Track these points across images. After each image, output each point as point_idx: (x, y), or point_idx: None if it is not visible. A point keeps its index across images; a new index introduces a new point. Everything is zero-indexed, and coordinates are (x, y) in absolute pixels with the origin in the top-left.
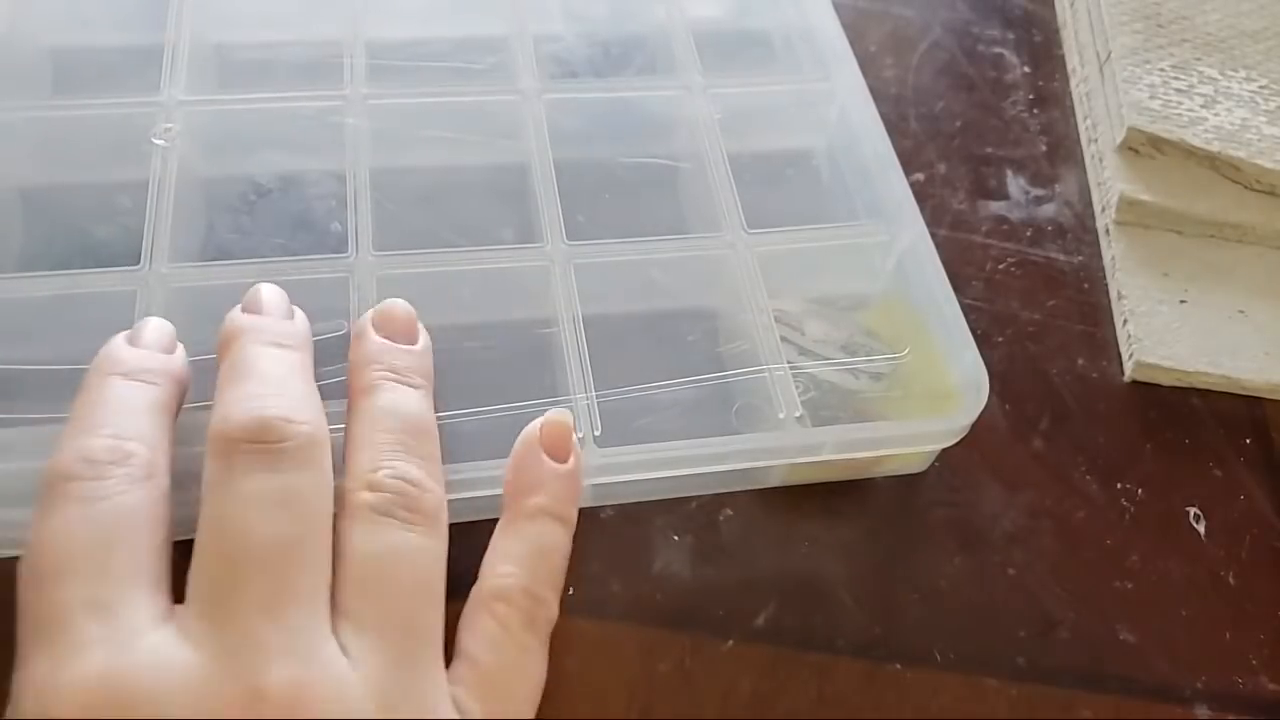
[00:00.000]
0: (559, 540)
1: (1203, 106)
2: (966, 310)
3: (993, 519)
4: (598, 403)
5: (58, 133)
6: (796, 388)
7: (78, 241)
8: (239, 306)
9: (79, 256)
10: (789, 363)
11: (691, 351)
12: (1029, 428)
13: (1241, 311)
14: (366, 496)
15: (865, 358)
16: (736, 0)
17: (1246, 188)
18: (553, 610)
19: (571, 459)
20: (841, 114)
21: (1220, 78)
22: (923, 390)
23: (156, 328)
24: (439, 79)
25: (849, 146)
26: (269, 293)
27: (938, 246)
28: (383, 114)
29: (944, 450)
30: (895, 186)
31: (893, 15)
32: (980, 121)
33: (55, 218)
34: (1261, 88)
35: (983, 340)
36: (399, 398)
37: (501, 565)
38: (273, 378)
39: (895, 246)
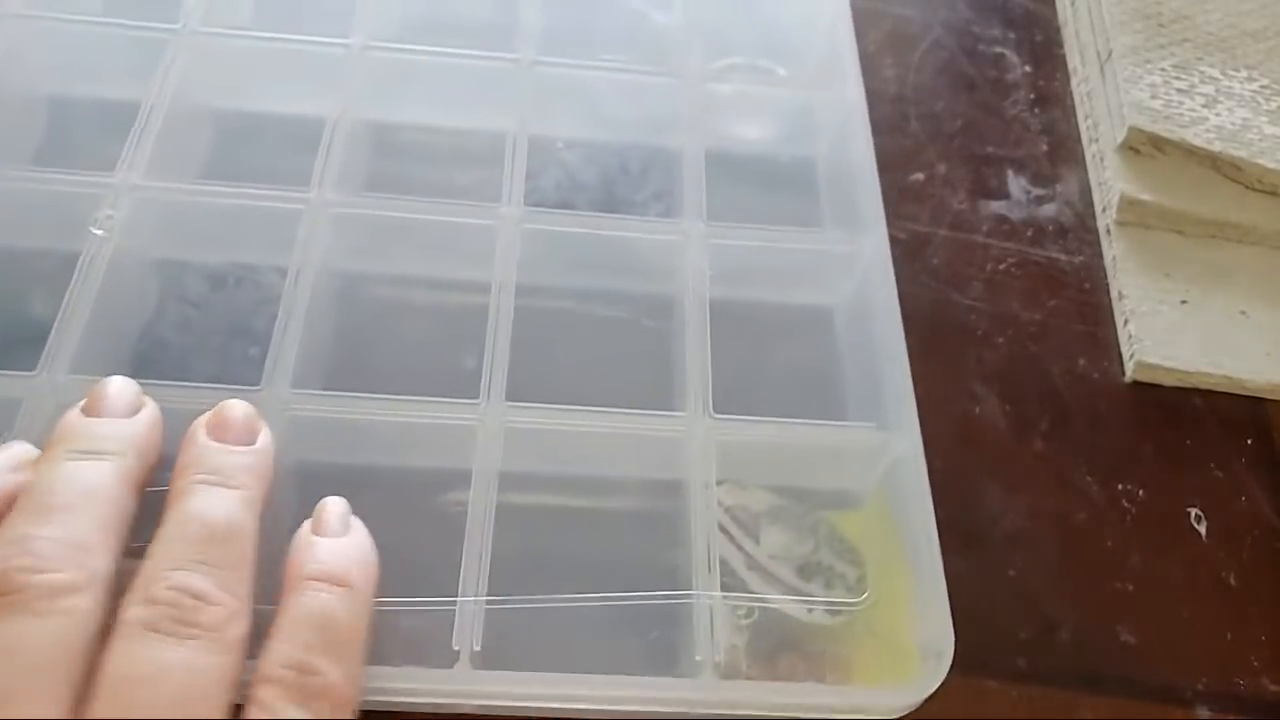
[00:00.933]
0: (333, 605)
1: (1204, 106)
2: (967, 311)
3: (992, 520)
4: (485, 610)
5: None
6: (736, 609)
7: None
8: (78, 405)
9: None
10: (730, 586)
11: (618, 552)
12: (1029, 428)
13: (1243, 312)
14: (137, 611)
15: (822, 593)
16: (782, 124)
17: (1248, 188)
18: (332, 677)
19: (328, 519)
20: (860, 283)
21: (1221, 77)
22: (884, 631)
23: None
24: (423, 180)
25: (859, 319)
26: (114, 387)
27: (938, 246)
28: (350, 224)
29: (943, 450)
30: (899, 380)
31: (893, 15)
32: (981, 121)
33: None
34: (1263, 87)
35: (983, 341)
36: (209, 501)
37: (269, 644)
38: (58, 508)
39: (888, 449)
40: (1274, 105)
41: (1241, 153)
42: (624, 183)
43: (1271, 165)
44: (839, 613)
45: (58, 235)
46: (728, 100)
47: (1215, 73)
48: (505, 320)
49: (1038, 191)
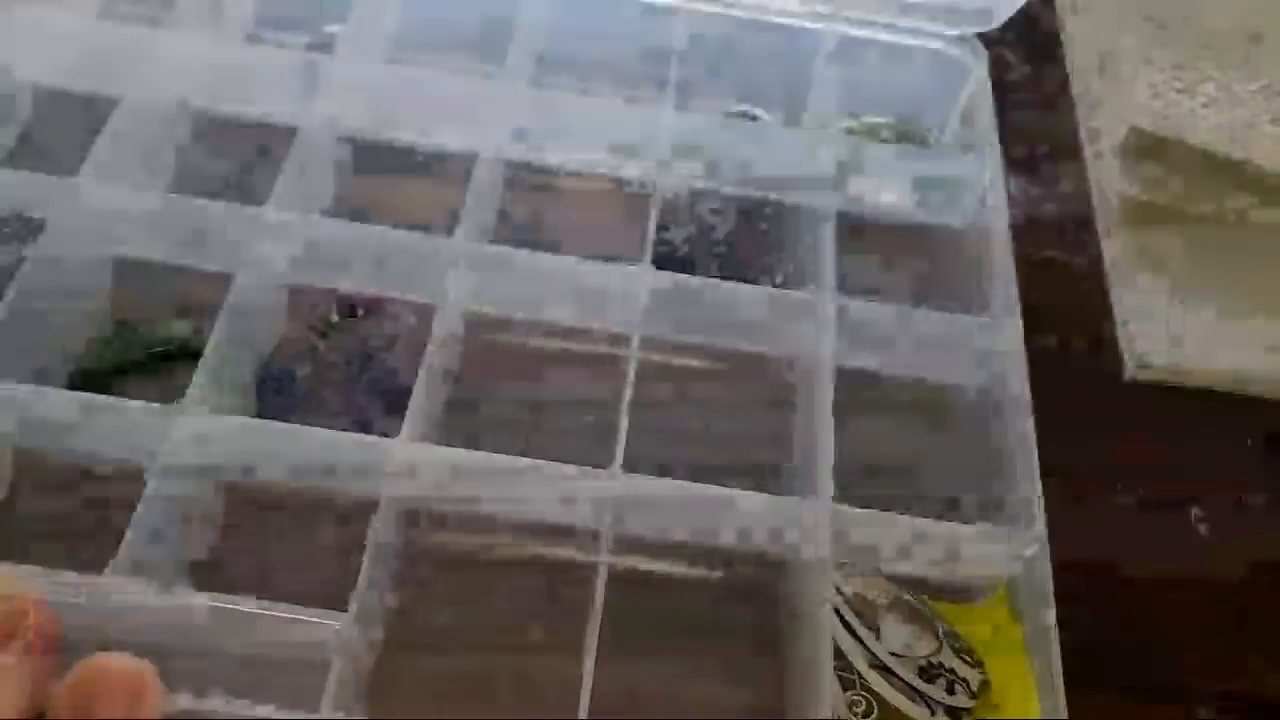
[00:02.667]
0: None
1: (1204, 106)
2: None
3: None
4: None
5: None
6: (856, 704)
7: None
8: None
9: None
10: (849, 682)
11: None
12: None
13: (1243, 312)
14: None
15: (944, 697)
16: (916, 189)
17: (1248, 188)
18: None
19: None
20: (992, 369)
21: (1222, 77)
22: None
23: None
24: (555, 222)
25: (988, 406)
26: None
27: None
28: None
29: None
30: (1029, 478)
31: None
32: None
33: None
34: (1263, 87)
35: None
36: None
37: None
38: None
39: (1016, 549)
40: (1274, 105)
41: (1241, 153)
42: (753, 239)
43: (1271, 165)
44: (958, 715)
45: (200, 255)
46: (864, 159)
47: (1215, 73)
48: (628, 377)
49: (1037, 191)
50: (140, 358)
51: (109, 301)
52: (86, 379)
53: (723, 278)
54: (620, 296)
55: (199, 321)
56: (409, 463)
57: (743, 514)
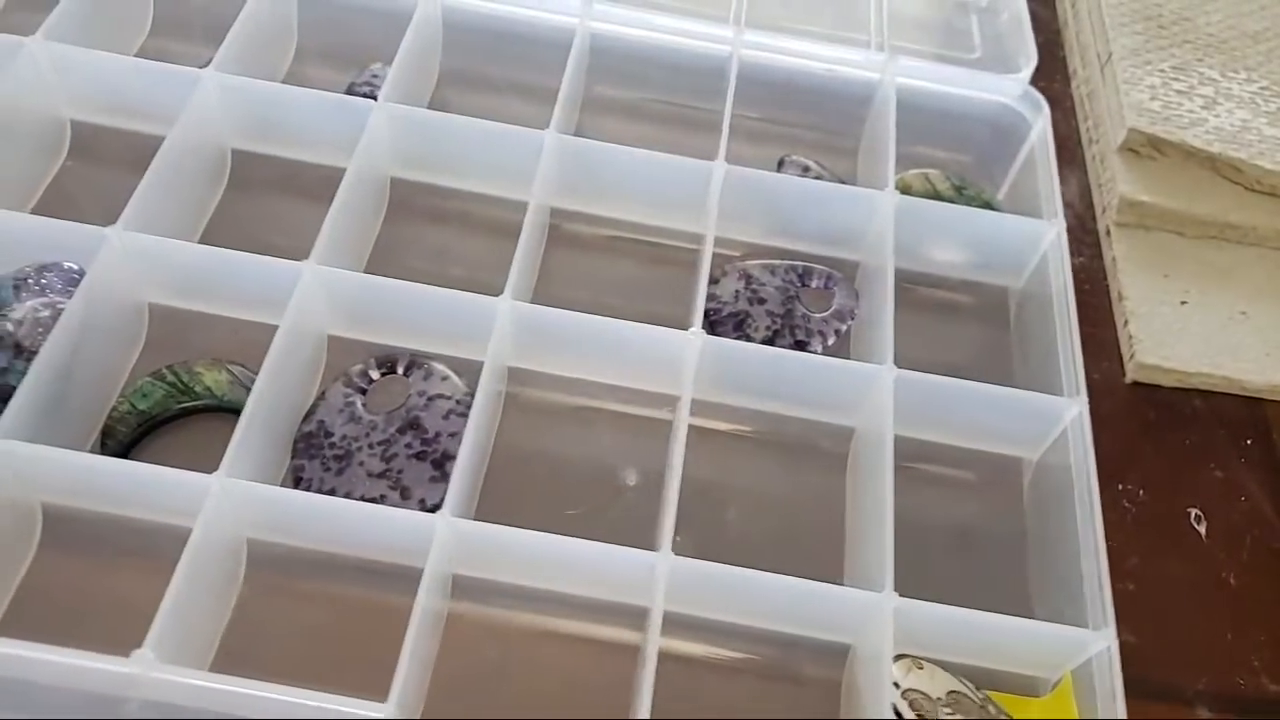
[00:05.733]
0: None
1: (1203, 108)
2: None
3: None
4: None
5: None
6: None
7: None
8: None
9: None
10: None
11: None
12: None
13: (1243, 313)
14: None
15: None
16: (975, 248)
17: (1247, 189)
18: None
19: None
20: (1055, 450)
21: (1221, 79)
22: None
23: None
24: (596, 274)
25: (1054, 490)
26: None
27: None
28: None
29: None
30: (1097, 574)
31: None
32: None
33: None
34: (1262, 89)
35: None
36: None
37: None
38: None
39: (1084, 649)
40: (1273, 107)
41: (1241, 154)
42: (805, 298)
43: (1271, 166)
44: None
45: (239, 305)
46: (923, 218)
47: (1215, 74)
48: (677, 445)
49: None
50: (176, 411)
51: (142, 351)
52: (120, 432)
53: (774, 335)
54: (670, 359)
55: (234, 373)
56: (452, 540)
57: (800, 601)
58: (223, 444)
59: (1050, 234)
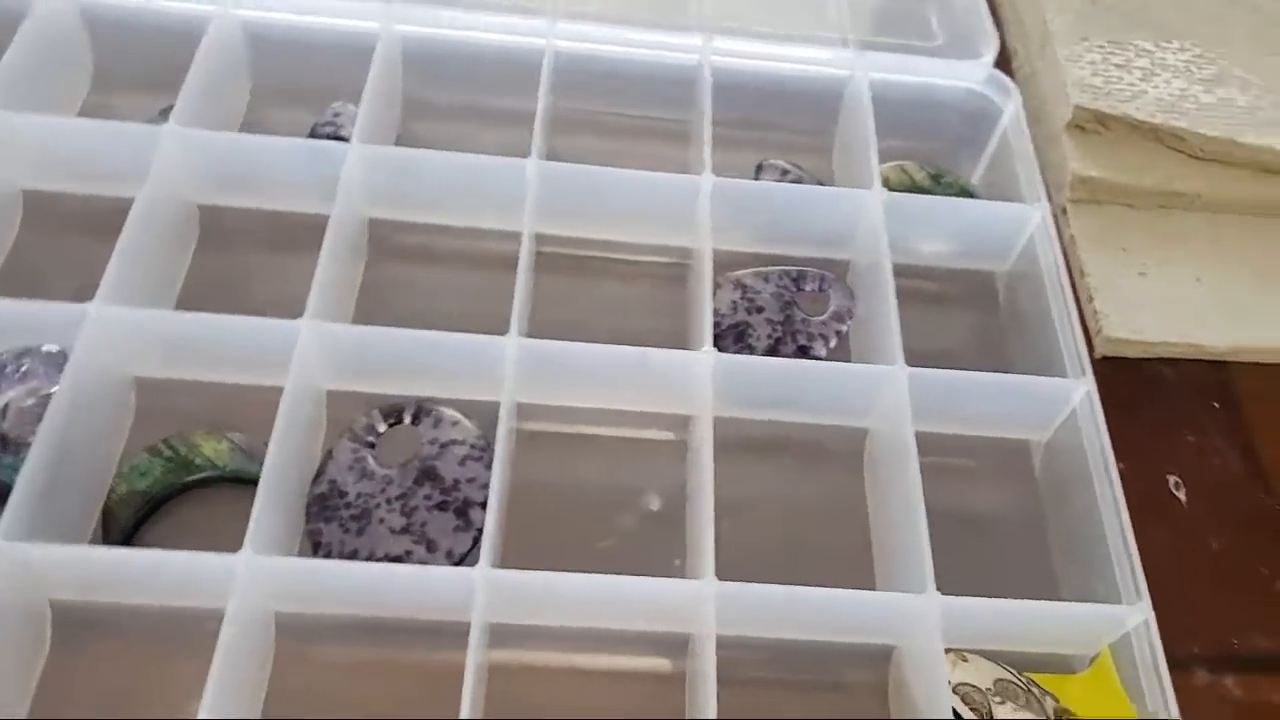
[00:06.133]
0: None
1: (1141, 79)
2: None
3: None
4: None
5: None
6: None
7: None
8: None
9: None
10: None
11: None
12: None
13: (1198, 279)
14: None
15: None
16: (962, 237)
17: (1191, 156)
18: None
19: None
20: (1066, 428)
21: (1155, 49)
22: None
23: None
24: (590, 295)
25: (1067, 471)
26: None
27: None
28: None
29: None
30: (1125, 549)
31: None
32: None
33: None
34: (1195, 56)
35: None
36: None
37: None
38: None
39: (1120, 623)
40: (1207, 73)
41: (1182, 123)
42: (801, 302)
43: (1211, 132)
44: None
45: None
46: (909, 213)
47: (1148, 45)
48: (704, 464)
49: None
50: (177, 487)
51: (133, 425)
52: (122, 516)
53: (776, 343)
54: (683, 381)
55: (233, 440)
56: (492, 592)
57: (844, 610)
58: (230, 516)
59: (1035, 217)
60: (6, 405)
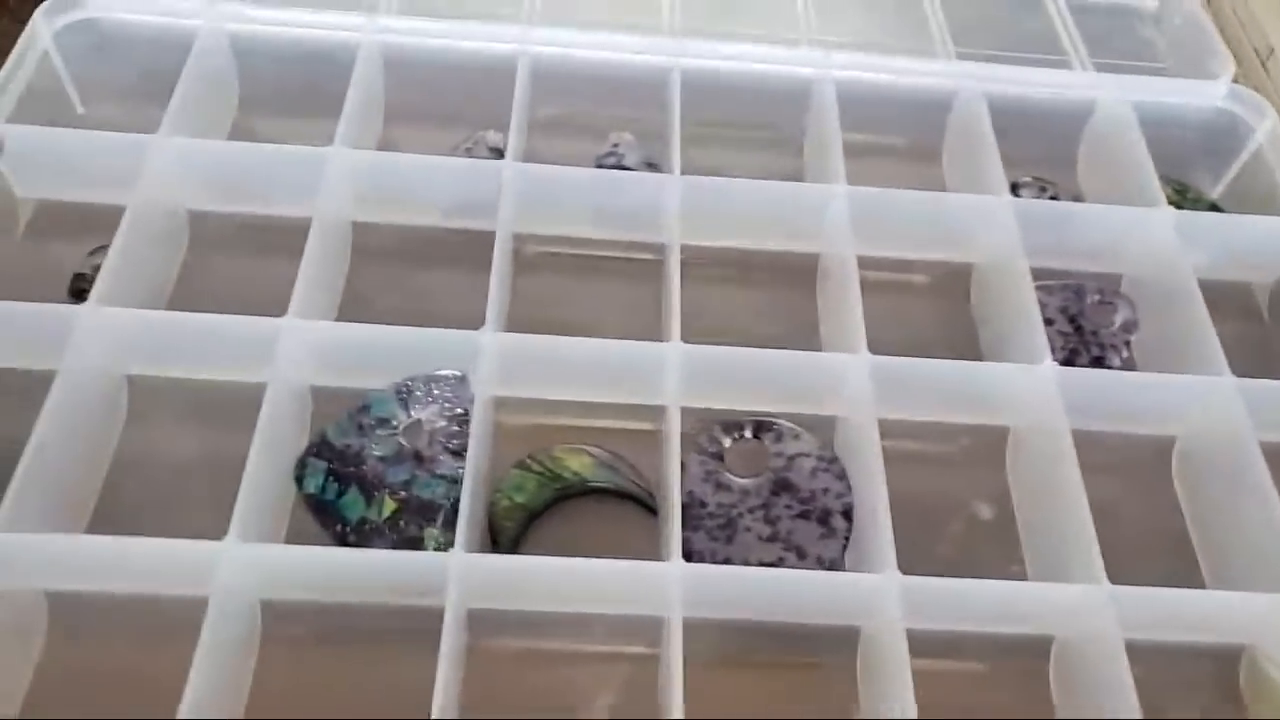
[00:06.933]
0: None
1: None
2: None
3: None
4: None
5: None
6: None
7: None
8: None
9: None
10: None
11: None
12: None
13: None
14: None
15: None
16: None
17: None
18: None
19: None
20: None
21: None
22: None
23: None
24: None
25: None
26: None
27: None
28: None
29: None
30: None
31: None
32: None
33: None
34: None
35: None
36: None
37: None
38: None
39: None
40: None
41: None
42: (1088, 314)
43: None
44: None
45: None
46: (1191, 229)
47: None
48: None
49: None
50: (550, 499)
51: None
52: (508, 528)
53: (1071, 354)
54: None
55: (594, 454)
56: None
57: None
58: (601, 524)
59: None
60: (420, 425)
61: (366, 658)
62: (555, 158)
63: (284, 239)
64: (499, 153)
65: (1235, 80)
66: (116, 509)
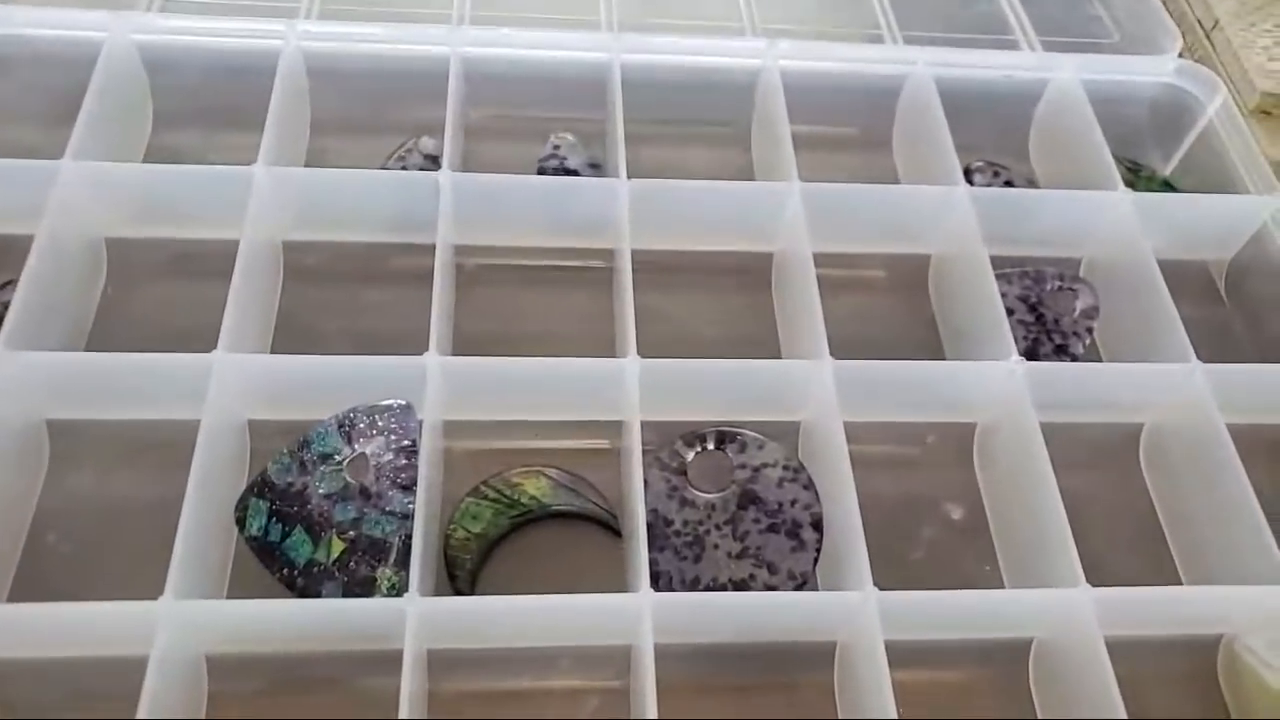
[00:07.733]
0: None
1: None
2: None
3: None
4: None
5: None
6: None
7: None
8: None
9: None
10: None
11: None
12: None
13: None
14: None
15: None
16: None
17: None
18: None
19: None
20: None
21: None
22: None
23: None
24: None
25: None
26: None
27: None
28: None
29: None
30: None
31: None
32: None
33: None
34: None
35: None
36: None
37: None
38: None
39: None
40: None
41: None
42: (1048, 301)
43: None
44: None
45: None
46: (1151, 211)
47: None
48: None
49: None
50: (506, 527)
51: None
52: (465, 561)
53: (1034, 345)
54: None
55: (551, 476)
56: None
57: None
58: (560, 550)
59: (1273, 204)
60: (366, 459)
61: (323, 707)
62: (494, 162)
63: (210, 263)
64: (434, 160)
65: (1181, 55)
66: (42, 565)
